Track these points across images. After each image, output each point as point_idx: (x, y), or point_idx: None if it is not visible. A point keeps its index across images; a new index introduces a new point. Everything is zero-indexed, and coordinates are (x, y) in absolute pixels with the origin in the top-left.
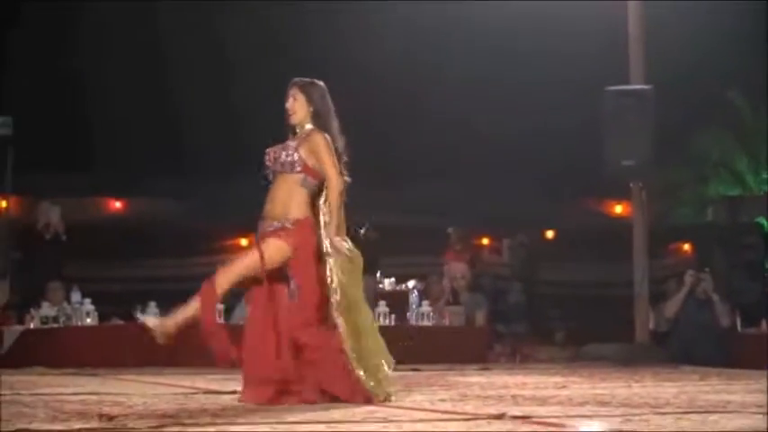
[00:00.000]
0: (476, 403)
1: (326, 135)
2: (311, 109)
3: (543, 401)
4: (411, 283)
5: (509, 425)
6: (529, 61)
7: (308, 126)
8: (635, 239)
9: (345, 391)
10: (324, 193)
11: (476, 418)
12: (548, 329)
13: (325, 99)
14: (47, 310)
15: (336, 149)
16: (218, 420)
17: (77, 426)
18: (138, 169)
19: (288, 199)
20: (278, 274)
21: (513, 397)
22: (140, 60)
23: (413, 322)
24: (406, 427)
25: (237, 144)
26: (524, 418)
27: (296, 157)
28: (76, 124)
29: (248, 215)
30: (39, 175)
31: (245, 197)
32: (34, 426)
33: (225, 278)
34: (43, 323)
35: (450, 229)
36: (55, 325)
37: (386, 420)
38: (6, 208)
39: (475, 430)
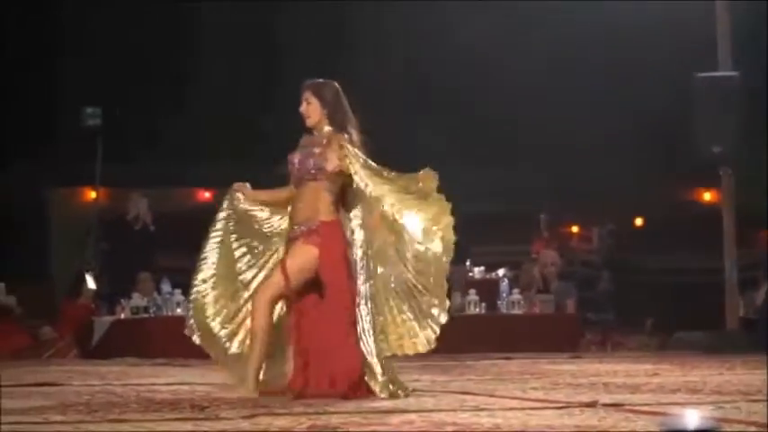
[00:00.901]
0: (567, 391)
1: (346, 135)
2: (326, 110)
3: (635, 389)
4: (501, 272)
5: (601, 413)
6: (619, 48)
7: (326, 128)
8: (724, 226)
9: (344, 387)
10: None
11: (568, 406)
12: (637, 317)
13: (339, 98)
14: (137, 300)
15: (358, 147)
16: (310, 410)
17: (169, 416)
18: (225, 158)
19: (314, 203)
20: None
21: (605, 385)
22: (227, 51)
23: (503, 310)
24: (499, 415)
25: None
26: (616, 405)
27: (321, 164)
28: (166, 114)
29: None
30: (128, 165)
31: None
32: (126, 416)
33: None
34: (133, 314)
35: (541, 216)
36: (145, 315)
37: (478, 409)
38: (96, 199)
39: (567, 418)
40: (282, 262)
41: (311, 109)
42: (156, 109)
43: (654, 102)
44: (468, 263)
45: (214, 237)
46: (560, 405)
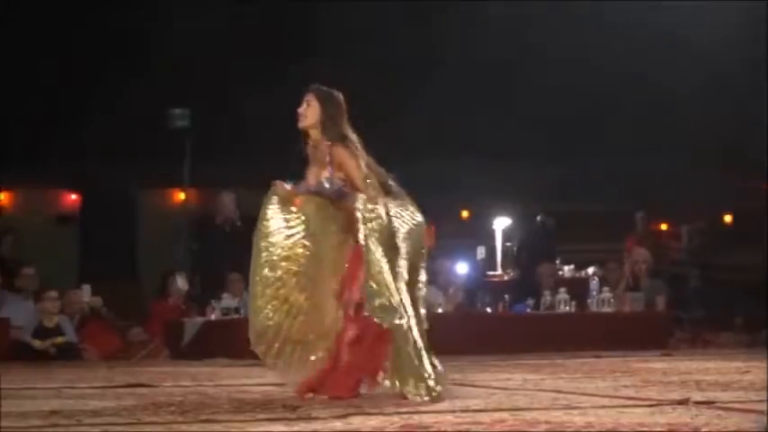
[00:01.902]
0: (659, 389)
1: (346, 144)
2: (323, 117)
3: (726, 387)
4: (591, 270)
5: (693, 410)
6: (700, 41)
7: (322, 140)
8: None
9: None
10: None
11: (659, 404)
12: (727, 315)
13: (340, 110)
14: (227, 301)
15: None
16: (402, 409)
17: (261, 416)
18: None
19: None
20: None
21: (696, 382)
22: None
23: (593, 308)
24: (591, 413)
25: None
26: (708, 403)
27: (335, 187)
28: (254, 114)
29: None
30: (217, 166)
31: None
32: (218, 417)
33: None
34: (224, 314)
35: (637, 215)
36: (236, 316)
37: (569, 407)
38: (185, 200)
39: (659, 416)
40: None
41: (309, 111)
42: (245, 109)
43: (741, 96)
44: (557, 261)
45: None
46: (652, 403)
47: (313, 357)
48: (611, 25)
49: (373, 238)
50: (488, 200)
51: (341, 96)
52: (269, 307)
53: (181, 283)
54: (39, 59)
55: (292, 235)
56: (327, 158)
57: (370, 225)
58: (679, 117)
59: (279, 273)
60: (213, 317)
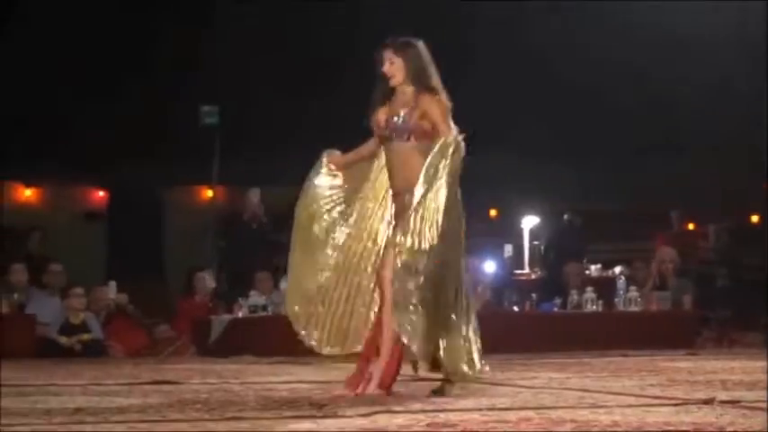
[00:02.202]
0: (685, 388)
1: (436, 95)
2: (411, 71)
3: (752, 386)
4: (618, 269)
5: (718, 410)
6: (727, 39)
7: (409, 88)
8: None
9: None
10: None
11: (685, 403)
12: (754, 314)
13: (422, 56)
14: (255, 299)
15: (447, 106)
16: (428, 407)
17: (287, 414)
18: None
19: (406, 170)
20: None
21: (722, 382)
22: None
23: (620, 308)
24: (617, 412)
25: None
26: (733, 402)
27: (409, 123)
28: (284, 112)
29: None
30: (246, 163)
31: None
32: (244, 414)
33: None
34: (251, 312)
35: (671, 213)
36: (263, 314)
37: (595, 406)
38: (213, 197)
39: (684, 415)
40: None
41: (395, 68)
42: (274, 106)
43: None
44: (584, 260)
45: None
46: (678, 402)
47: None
48: (635, 25)
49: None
50: (517, 198)
51: (418, 41)
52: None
53: (208, 280)
54: (68, 56)
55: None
56: (412, 103)
57: (451, 159)
58: (706, 116)
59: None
60: (240, 314)
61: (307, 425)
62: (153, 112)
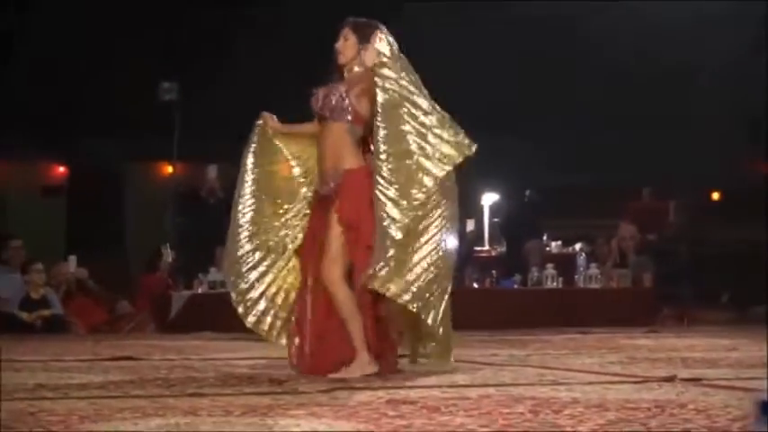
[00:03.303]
0: (645, 366)
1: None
2: (361, 48)
3: (713, 364)
4: (578, 246)
5: (679, 387)
6: (699, 23)
7: (357, 69)
8: None
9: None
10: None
11: (646, 380)
12: (714, 292)
13: (379, 37)
14: (215, 274)
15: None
16: (388, 384)
17: (248, 390)
18: None
19: (337, 149)
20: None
21: (683, 359)
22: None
23: (580, 285)
24: (577, 389)
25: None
26: (694, 380)
27: (345, 103)
28: (243, 88)
29: None
30: (205, 140)
31: None
32: (205, 390)
33: None
34: (211, 288)
35: (644, 190)
36: (223, 290)
37: (556, 383)
38: (173, 173)
39: (645, 393)
40: (318, 229)
41: (347, 45)
42: (232, 82)
43: (732, 75)
44: (545, 237)
45: (246, 184)
46: (638, 380)
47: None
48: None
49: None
50: (476, 175)
51: (380, 26)
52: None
53: (167, 256)
54: (28, 30)
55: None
56: (355, 78)
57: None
58: (670, 93)
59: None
60: (200, 290)
61: (267, 401)
62: (113, 88)
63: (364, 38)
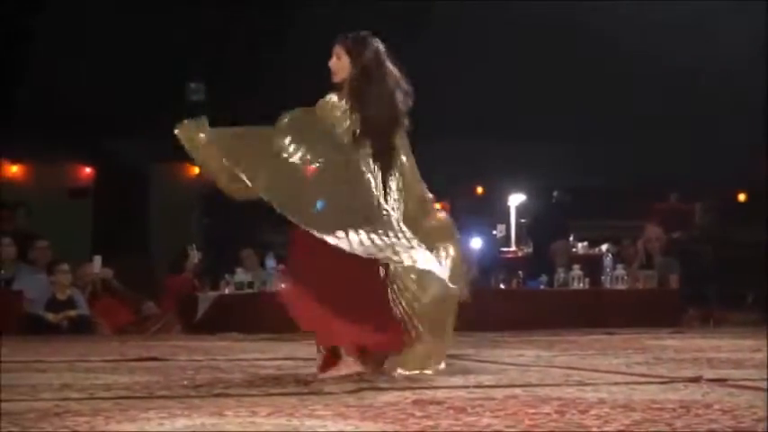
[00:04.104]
0: (671, 366)
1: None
2: (356, 70)
3: (738, 364)
4: (604, 247)
5: (705, 388)
6: (715, 19)
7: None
8: None
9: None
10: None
11: (672, 381)
12: (740, 293)
13: (373, 59)
14: (241, 275)
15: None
16: (414, 385)
17: (274, 391)
18: None
19: None
20: None
21: (708, 360)
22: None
23: (607, 285)
24: (603, 390)
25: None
26: (720, 380)
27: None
28: (270, 87)
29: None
30: None
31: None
32: (231, 390)
33: None
34: (238, 289)
35: (672, 196)
36: (249, 291)
37: (582, 384)
38: (198, 174)
39: (671, 393)
40: None
41: (339, 65)
42: (260, 84)
43: (758, 76)
44: (571, 238)
45: None
46: (664, 380)
47: None
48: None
49: None
50: (503, 176)
51: (375, 41)
52: None
53: (194, 256)
54: (52, 32)
55: None
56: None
57: None
58: (697, 93)
59: None
60: (227, 291)
61: (293, 401)
62: (140, 88)
63: (358, 56)
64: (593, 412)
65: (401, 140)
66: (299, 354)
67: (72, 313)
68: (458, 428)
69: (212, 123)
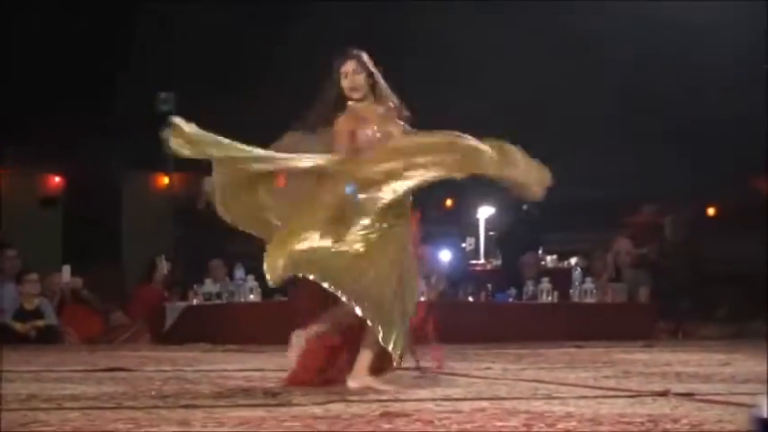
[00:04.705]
0: (639, 380)
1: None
2: (371, 82)
3: (707, 379)
4: (573, 260)
5: (673, 402)
6: (689, 35)
7: (365, 103)
8: None
9: None
10: None
11: (639, 395)
12: (710, 307)
13: (376, 69)
14: (209, 286)
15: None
16: (383, 397)
17: (242, 402)
18: None
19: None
20: None
21: (677, 374)
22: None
23: (575, 299)
24: (571, 403)
25: None
26: (688, 395)
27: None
28: (239, 98)
29: None
30: None
31: None
32: (198, 402)
33: None
34: (206, 300)
35: (645, 207)
36: (218, 301)
37: (550, 397)
38: (169, 185)
39: (639, 407)
40: None
41: (360, 80)
42: (228, 94)
43: (727, 91)
44: (540, 251)
45: None
46: (632, 394)
47: None
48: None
49: None
50: (473, 189)
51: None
52: None
53: (163, 267)
54: (25, 40)
55: None
56: (379, 115)
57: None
58: (663, 108)
59: None
60: (195, 302)
61: (261, 413)
62: (110, 98)
63: (369, 73)
64: (560, 426)
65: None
66: (267, 365)
67: (40, 323)
68: None
69: None
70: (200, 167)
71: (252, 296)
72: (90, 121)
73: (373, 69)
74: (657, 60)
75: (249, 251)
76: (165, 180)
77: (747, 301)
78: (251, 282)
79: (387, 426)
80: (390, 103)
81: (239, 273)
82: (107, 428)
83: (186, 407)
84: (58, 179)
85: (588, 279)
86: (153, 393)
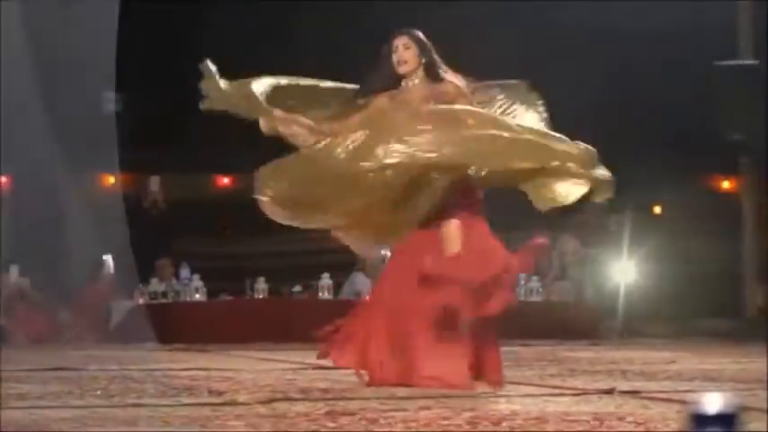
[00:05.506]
0: (585, 378)
1: (455, 81)
2: (423, 60)
3: (652, 376)
4: None
5: (618, 400)
6: (636, 35)
7: (416, 81)
8: (744, 215)
9: None
10: None
11: (585, 393)
12: (655, 305)
13: (433, 50)
14: (155, 286)
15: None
16: (327, 396)
17: (187, 401)
18: (242, 145)
19: None
20: None
21: (623, 372)
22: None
23: (521, 298)
24: (516, 401)
25: None
26: (633, 392)
27: None
28: (186, 99)
29: None
30: (147, 151)
31: None
32: (143, 401)
33: None
34: (152, 299)
35: (589, 207)
36: (164, 301)
37: (495, 395)
38: (114, 184)
39: (584, 405)
40: None
41: (411, 55)
42: (176, 95)
43: (673, 90)
44: None
45: None
46: (577, 392)
47: None
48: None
49: None
50: None
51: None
52: None
53: (109, 267)
54: None
55: None
56: (431, 88)
57: None
58: (610, 107)
59: None
60: (141, 301)
61: (206, 412)
62: (56, 97)
63: (423, 50)
64: (505, 424)
65: None
66: (212, 364)
67: None
68: None
69: (130, 135)
70: (146, 167)
71: (197, 296)
72: (34, 119)
73: (427, 47)
74: (613, 53)
75: (195, 251)
76: (111, 180)
77: (692, 300)
78: (196, 281)
79: (331, 424)
80: (448, 84)
81: (185, 272)
82: (52, 428)
83: (131, 405)
84: (3, 179)
85: (534, 278)
86: (98, 392)
